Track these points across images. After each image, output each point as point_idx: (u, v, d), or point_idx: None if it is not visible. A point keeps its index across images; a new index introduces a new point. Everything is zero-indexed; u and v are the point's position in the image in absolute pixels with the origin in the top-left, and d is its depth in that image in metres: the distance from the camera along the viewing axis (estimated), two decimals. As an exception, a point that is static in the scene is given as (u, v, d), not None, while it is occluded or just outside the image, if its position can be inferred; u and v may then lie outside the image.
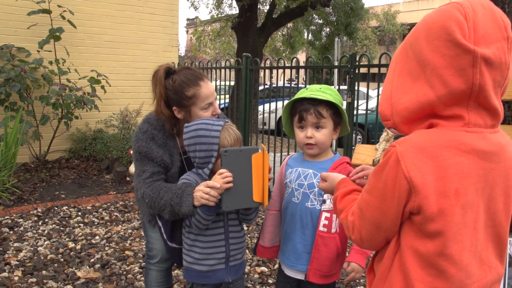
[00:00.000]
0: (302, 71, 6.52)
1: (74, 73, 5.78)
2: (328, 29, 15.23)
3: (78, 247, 3.54)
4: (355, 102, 4.24)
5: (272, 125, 8.37)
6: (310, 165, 1.79)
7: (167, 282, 2.27)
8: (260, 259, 3.37)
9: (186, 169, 1.98)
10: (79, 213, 4.33)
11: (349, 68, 4.31)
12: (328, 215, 1.74)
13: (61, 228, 3.94)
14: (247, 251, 3.23)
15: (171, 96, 1.91)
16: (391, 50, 25.33)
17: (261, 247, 1.95)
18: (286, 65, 5.39)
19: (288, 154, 2.45)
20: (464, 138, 0.99)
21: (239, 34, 11.76)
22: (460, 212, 0.99)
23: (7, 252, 3.41)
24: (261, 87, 9.08)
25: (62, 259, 3.31)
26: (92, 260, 3.31)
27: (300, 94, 1.75)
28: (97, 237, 3.76)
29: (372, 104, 8.16)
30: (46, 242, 3.60)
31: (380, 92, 3.79)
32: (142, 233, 3.62)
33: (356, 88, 4.27)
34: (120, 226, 4.07)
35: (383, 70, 3.87)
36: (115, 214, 4.39)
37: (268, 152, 2.03)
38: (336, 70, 8.56)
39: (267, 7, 13.11)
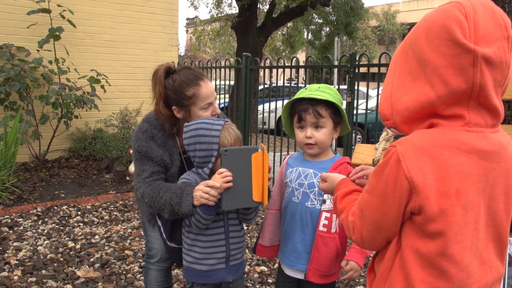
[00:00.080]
0: (302, 71, 6.52)
1: (73, 73, 5.77)
2: (328, 29, 15.23)
3: (78, 246, 3.54)
4: (355, 101, 4.24)
5: (272, 125, 8.37)
6: (311, 165, 1.79)
7: (166, 281, 2.27)
8: (260, 258, 3.37)
9: (186, 169, 1.98)
10: (79, 213, 4.33)
11: (349, 67, 4.31)
12: (328, 215, 1.74)
13: (61, 228, 3.94)
14: (246, 250, 3.23)
15: (171, 95, 1.90)
16: (391, 50, 25.34)
17: (261, 246, 1.95)
18: (286, 64, 5.39)
19: (288, 154, 2.45)
20: (464, 138, 0.99)
21: (239, 33, 11.75)
22: (461, 212, 0.99)
23: (7, 251, 3.40)
24: (261, 87, 9.08)
25: (61, 259, 3.31)
26: (91, 259, 3.31)
27: (299, 94, 1.75)
28: (96, 237, 3.76)
29: (372, 103, 8.16)
30: (45, 242, 3.60)
31: (380, 92, 3.78)
32: (142, 233, 3.62)
33: (355, 87, 4.27)
34: (119, 225, 4.07)
35: (383, 69, 3.86)
36: (114, 213, 4.39)
37: (268, 152, 2.02)
38: (336, 70, 8.56)
39: (267, 7, 13.11)
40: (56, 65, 5.53)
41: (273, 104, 6.95)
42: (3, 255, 3.34)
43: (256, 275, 3.13)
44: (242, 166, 1.65)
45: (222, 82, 6.86)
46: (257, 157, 1.66)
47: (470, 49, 0.94)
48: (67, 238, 3.71)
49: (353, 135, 4.55)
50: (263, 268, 3.24)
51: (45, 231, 3.85)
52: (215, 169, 1.70)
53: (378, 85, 4.13)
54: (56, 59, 5.55)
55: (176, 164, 1.99)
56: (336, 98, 1.72)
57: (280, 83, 6.65)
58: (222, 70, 6.10)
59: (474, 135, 0.99)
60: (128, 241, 3.70)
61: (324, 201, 1.75)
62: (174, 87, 1.89)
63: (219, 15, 15.75)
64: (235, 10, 14.80)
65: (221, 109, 4.07)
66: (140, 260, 3.33)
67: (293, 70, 5.70)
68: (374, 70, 4.33)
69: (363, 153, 1.99)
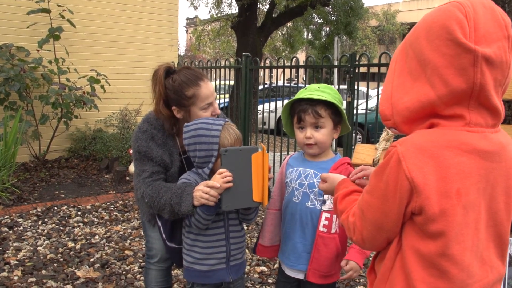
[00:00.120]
0: (302, 71, 6.52)
1: (73, 73, 5.77)
2: (327, 29, 15.22)
3: (78, 246, 3.54)
4: (355, 101, 4.24)
5: (272, 125, 8.37)
6: (311, 165, 1.79)
7: (166, 281, 2.27)
8: (260, 258, 3.37)
9: (186, 169, 1.98)
10: (79, 213, 4.33)
11: (349, 67, 4.30)
12: (328, 215, 1.74)
13: (61, 228, 3.94)
14: (246, 250, 3.23)
15: (171, 95, 1.90)
16: (390, 50, 25.35)
17: (261, 246, 1.95)
18: (286, 64, 5.38)
19: (288, 154, 2.45)
20: (465, 138, 0.99)
21: (239, 33, 11.75)
22: (462, 212, 0.98)
23: (7, 251, 3.40)
24: (260, 87, 9.07)
25: (61, 259, 3.31)
26: (91, 259, 3.31)
27: (299, 95, 1.75)
28: (96, 237, 3.76)
29: (372, 103, 8.16)
30: (45, 242, 3.60)
31: (380, 92, 3.79)
32: (142, 233, 3.62)
33: (355, 87, 4.27)
34: (119, 225, 4.07)
35: (383, 69, 3.86)
36: (114, 213, 4.38)
37: (268, 152, 2.02)
38: (335, 70, 8.56)
39: (267, 7, 13.11)
40: (56, 65, 5.53)
41: (273, 104, 6.95)
42: (3, 255, 3.34)
43: (256, 275, 3.13)
44: (242, 166, 1.64)
45: (222, 82, 6.86)
46: (257, 157, 1.66)
47: (471, 49, 0.93)
48: (67, 238, 3.70)
49: (353, 135, 4.55)
50: (263, 268, 3.24)
51: (45, 231, 3.84)
52: (215, 169, 1.70)
53: (378, 85, 4.13)
54: (56, 59, 5.55)
55: (176, 164, 1.99)
56: (335, 98, 1.72)
57: (280, 83, 6.65)
58: (222, 70, 6.09)
59: (474, 135, 0.99)
60: (128, 241, 3.70)
61: (324, 202, 1.75)
62: (174, 87, 1.89)
63: (219, 15, 15.74)
64: (235, 10, 14.81)
65: (221, 109, 4.06)
66: (140, 260, 3.33)
67: (293, 70, 5.70)
68: (374, 70, 4.33)
69: (363, 153, 1.99)
